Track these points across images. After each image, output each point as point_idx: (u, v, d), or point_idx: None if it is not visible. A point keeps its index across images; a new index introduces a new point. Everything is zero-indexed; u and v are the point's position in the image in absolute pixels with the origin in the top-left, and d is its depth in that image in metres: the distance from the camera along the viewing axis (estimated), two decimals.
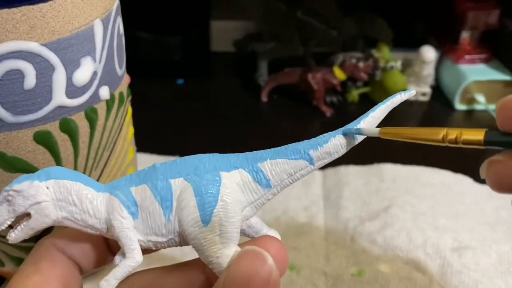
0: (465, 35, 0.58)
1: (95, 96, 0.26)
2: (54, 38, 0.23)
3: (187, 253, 0.35)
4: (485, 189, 0.43)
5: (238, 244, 0.19)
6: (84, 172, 0.28)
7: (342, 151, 0.19)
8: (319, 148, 0.19)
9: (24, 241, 0.19)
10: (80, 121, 0.26)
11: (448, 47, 0.59)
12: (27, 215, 0.19)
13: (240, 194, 0.19)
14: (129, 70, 0.31)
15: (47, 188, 0.19)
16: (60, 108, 0.25)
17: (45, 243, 0.20)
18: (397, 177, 0.44)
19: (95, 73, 0.26)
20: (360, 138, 0.19)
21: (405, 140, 0.18)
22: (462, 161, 0.47)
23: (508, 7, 0.56)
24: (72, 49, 0.24)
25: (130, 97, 0.32)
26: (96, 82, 0.26)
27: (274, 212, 0.40)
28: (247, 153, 0.20)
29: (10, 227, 0.19)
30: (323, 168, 0.45)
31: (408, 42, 0.60)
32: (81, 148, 0.27)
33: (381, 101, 0.20)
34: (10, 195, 0.18)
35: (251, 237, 0.21)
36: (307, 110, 0.56)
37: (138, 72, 0.39)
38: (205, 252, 0.18)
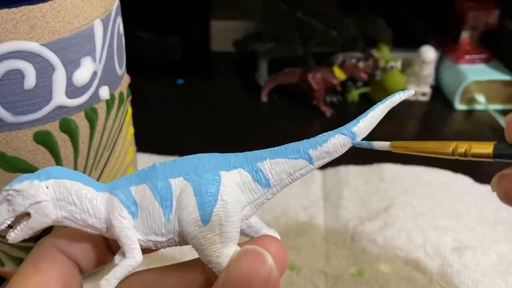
0: (465, 35, 0.58)
1: (95, 96, 0.26)
2: (54, 38, 0.23)
3: (187, 253, 0.35)
4: (485, 189, 0.43)
5: (237, 244, 0.19)
6: (84, 172, 0.28)
7: (342, 150, 0.19)
8: (318, 148, 0.19)
9: (24, 241, 0.19)
10: (80, 121, 0.26)
11: (448, 47, 0.59)
12: (27, 214, 0.19)
13: (240, 193, 0.19)
14: (129, 70, 0.31)
15: (47, 187, 0.19)
16: (60, 108, 0.25)
17: (45, 243, 0.20)
18: (397, 177, 0.44)
19: (95, 73, 0.26)
20: (359, 139, 0.19)
21: (416, 153, 0.19)
22: (462, 161, 0.47)
23: (508, 7, 0.56)
24: (72, 49, 0.24)
25: (130, 97, 0.32)
26: (96, 82, 0.26)
27: (274, 212, 0.40)
28: (246, 152, 0.20)
29: (10, 226, 0.19)
30: (323, 168, 0.45)
31: (408, 42, 0.60)
32: (81, 148, 0.27)
33: (380, 101, 0.20)
34: (10, 194, 0.18)
35: (250, 237, 0.21)
36: (307, 110, 0.56)
37: (138, 72, 0.39)
38: (204, 251, 0.18)
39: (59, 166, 0.22)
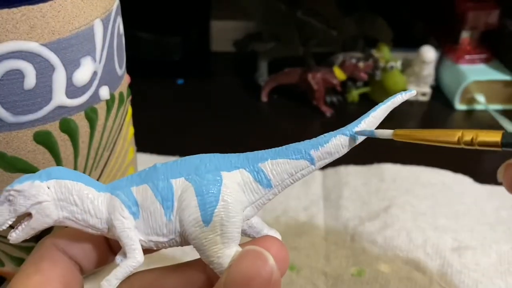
0: (465, 35, 0.58)
1: (95, 96, 0.26)
2: (54, 38, 0.23)
3: (188, 253, 0.35)
4: (485, 189, 0.43)
5: (239, 244, 0.19)
6: (84, 172, 0.28)
7: (343, 151, 0.19)
8: (320, 148, 0.19)
9: (25, 241, 0.19)
10: (80, 121, 0.26)
11: (448, 47, 0.59)
12: (28, 215, 0.19)
13: (241, 194, 0.19)
14: (129, 70, 0.31)
15: (48, 188, 0.19)
16: (60, 108, 0.25)
17: (46, 243, 0.20)
18: (397, 177, 0.44)
19: (95, 73, 0.25)
20: (361, 138, 0.19)
21: (419, 142, 0.18)
22: (462, 161, 0.47)
23: (508, 7, 0.56)
24: (72, 49, 0.24)
25: (130, 97, 0.32)
26: (96, 82, 0.26)
27: (274, 212, 0.40)
28: (248, 153, 0.20)
29: (11, 227, 0.19)
30: (323, 168, 0.45)
31: (408, 42, 0.60)
32: (81, 148, 0.27)
33: (381, 101, 0.20)
34: (11, 195, 0.18)
35: (252, 237, 0.21)
36: (307, 110, 0.56)
37: (138, 72, 0.39)
38: (206, 252, 0.18)
39: (60, 167, 0.22)
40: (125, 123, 0.31)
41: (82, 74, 0.25)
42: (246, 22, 0.65)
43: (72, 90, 0.25)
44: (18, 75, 0.23)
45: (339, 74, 0.55)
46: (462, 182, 0.44)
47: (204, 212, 0.18)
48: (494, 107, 0.56)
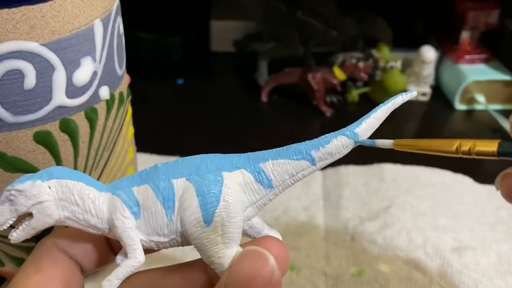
0: (465, 35, 0.58)
1: (95, 96, 0.26)
2: (54, 38, 0.23)
3: (188, 253, 0.35)
4: (485, 189, 0.43)
5: (240, 245, 0.19)
6: (84, 172, 0.27)
7: (344, 151, 0.19)
8: (321, 149, 0.19)
9: (25, 241, 0.19)
10: (80, 121, 0.26)
11: (448, 47, 0.59)
12: (29, 214, 0.19)
13: (242, 194, 0.19)
14: (129, 70, 0.31)
15: (49, 187, 0.19)
16: (60, 108, 0.25)
17: (46, 243, 0.20)
18: (397, 177, 0.44)
19: (95, 73, 0.25)
20: (361, 140, 0.19)
21: (419, 151, 0.19)
22: (462, 161, 0.47)
23: (508, 7, 0.56)
24: (72, 49, 0.24)
25: (130, 97, 0.32)
26: (96, 82, 0.26)
27: (274, 212, 0.40)
28: (249, 153, 0.20)
29: (12, 227, 0.19)
30: (323, 168, 0.45)
31: (408, 42, 0.60)
32: (81, 148, 0.27)
33: (381, 101, 0.20)
34: (12, 194, 0.18)
35: (252, 238, 0.21)
36: (307, 110, 0.56)
37: (138, 72, 0.39)
38: (207, 252, 0.18)
39: (61, 166, 0.22)
40: (125, 123, 0.31)
41: (82, 74, 0.25)
42: (246, 22, 0.65)
43: (72, 90, 0.25)
44: (18, 75, 0.23)
45: (339, 74, 0.55)
46: (462, 182, 0.44)
47: (205, 212, 0.18)
48: (494, 107, 0.56)
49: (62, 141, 0.26)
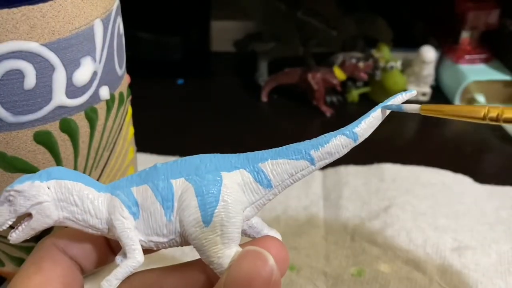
0: (465, 35, 0.58)
1: (95, 96, 0.26)
2: (54, 38, 0.23)
3: (187, 253, 0.35)
4: (485, 189, 0.43)
5: (239, 245, 0.19)
6: (84, 172, 0.28)
7: (343, 151, 0.19)
8: (320, 149, 0.19)
9: (25, 241, 0.19)
10: (80, 121, 0.26)
11: (448, 47, 0.59)
12: (28, 215, 0.19)
13: (241, 194, 0.19)
14: (129, 70, 0.31)
15: (48, 188, 0.19)
16: (60, 108, 0.25)
17: (46, 243, 0.20)
18: (397, 177, 0.44)
19: (95, 73, 0.25)
20: (360, 139, 0.19)
21: (446, 117, 0.18)
22: (462, 161, 0.47)
23: (508, 7, 0.56)
24: (72, 49, 0.24)
25: (130, 97, 0.32)
26: (96, 82, 0.26)
27: (274, 211, 0.40)
28: (248, 153, 0.20)
29: (11, 227, 0.19)
30: (323, 168, 0.45)
31: (408, 42, 0.60)
32: (81, 148, 0.27)
33: (381, 101, 0.20)
34: (11, 195, 0.18)
35: (252, 237, 0.21)
36: (307, 110, 0.56)
37: (138, 72, 0.39)
38: (206, 252, 0.18)
39: (60, 167, 0.22)
40: (125, 123, 0.31)
41: (82, 74, 0.25)
42: (246, 22, 0.65)
43: (72, 90, 0.25)
44: (18, 75, 0.23)
45: (339, 74, 0.55)
46: (462, 182, 0.44)
47: (204, 213, 0.18)
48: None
49: (62, 141, 0.26)
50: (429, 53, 0.56)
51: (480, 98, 0.56)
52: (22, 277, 0.19)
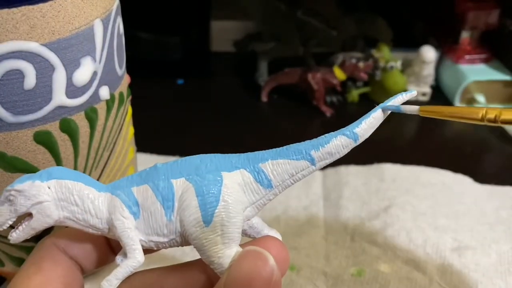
0: (465, 35, 0.58)
1: (95, 96, 0.26)
2: (54, 38, 0.23)
3: (188, 253, 0.35)
4: (485, 189, 0.43)
5: (239, 245, 0.19)
6: (84, 172, 0.28)
7: (344, 151, 0.19)
8: (320, 149, 0.19)
9: (25, 241, 0.19)
10: (80, 121, 0.26)
11: (448, 47, 0.59)
12: (29, 215, 0.19)
13: (242, 194, 0.19)
14: (129, 70, 0.31)
15: (49, 188, 0.19)
16: (60, 108, 0.25)
17: (46, 243, 0.20)
18: (397, 177, 0.44)
19: (95, 73, 0.25)
20: (361, 140, 0.19)
21: (444, 118, 0.18)
22: (462, 161, 0.47)
23: (508, 7, 0.56)
24: (72, 49, 0.24)
25: (130, 97, 0.32)
26: (96, 82, 0.26)
27: (274, 211, 0.40)
28: (248, 153, 0.20)
29: (12, 227, 0.19)
30: (323, 168, 0.45)
31: (408, 42, 0.60)
32: (81, 148, 0.27)
33: (381, 101, 0.20)
34: (12, 195, 0.18)
35: (252, 238, 0.21)
36: (307, 110, 0.56)
37: (138, 72, 0.39)
38: (206, 252, 0.18)
39: (60, 166, 0.22)
40: (125, 123, 0.31)
41: (82, 74, 0.25)
42: (246, 22, 0.65)
43: (72, 90, 0.25)
44: (18, 75, 0.23)
45: (339, 74, 0.55)
46: (462, 182, 0.44)
47: (204, 213, 0.18)
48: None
49: (62, 141, 0.26)
50: (429, 53, 0.56)
51: (480, 98, 0.56)
52: (22, 277, 0.19)
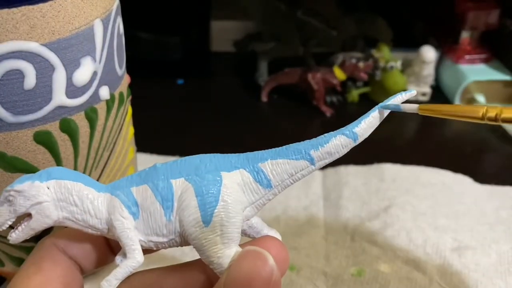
0: (465, 35, 0.58)
1: (95, 96, 0.26)
2: (54, 38, 0.23)
3: (187, 253, 0.35)
4: (485, 189, 0.43)
5: (239, 245, 0.19)
6: (84, 172, 0.28)
7: (343, 151, 0.19)
8: (320, 148, 0.19)
9: (25, 241, 0.19)
10: (80, 121, 0.26)
11: (448, 47, 0.59)
12: (28, 215, 0.19)
13: (241, 194, 0.19)
14: (129, 70, 0.31)
15: (48, 188, 0.19)
16: (60, 108, 0.25)
17: (46, 243, 0.20)
18: (397, 177, 0.44)
19: (95, 73, 0.25)
20: (360, 139, 0.19)
21: (444, 117, 0.18)
22: (462, 161, 0.47)
23: (508, 7, 0.56)
24: (72, 49, 0.24)
25: (130, 97, 0.32)
26: (96, 82, 0.26)
27: (274, 211, 0.40)
28: (248, 153, 0.20)
29: (11, 227, 0.19)
30: (323, 167, 0.45)
31: (408, 42, 0.60)
32: (81, 148, 0.27)
33: (381, 101, 0.20)
34: (11, 195, 0.18)
35: (252, 237, 0.21)
36: (307, 110, 0.56)
37: (138, 72, 0.39)
38: (206, 252, 0.18)
39: (60, 167, 0.22)
40: (125, 123, 0.31)
41: (82, 74, 0.25)
42: (246, 22, 0.65)
43: (72, 90, 0.25)
44: (18, 75, 0.23)
45: (339, 74, 0.55)
46: (462, 182, 0.44)
47: (204, 213, 0.18)
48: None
49: (62, 141, 0.26)
50: (429, 53, 0.56)
51: (480, 98, 0.56)
52: (22, 277, 0.19)
